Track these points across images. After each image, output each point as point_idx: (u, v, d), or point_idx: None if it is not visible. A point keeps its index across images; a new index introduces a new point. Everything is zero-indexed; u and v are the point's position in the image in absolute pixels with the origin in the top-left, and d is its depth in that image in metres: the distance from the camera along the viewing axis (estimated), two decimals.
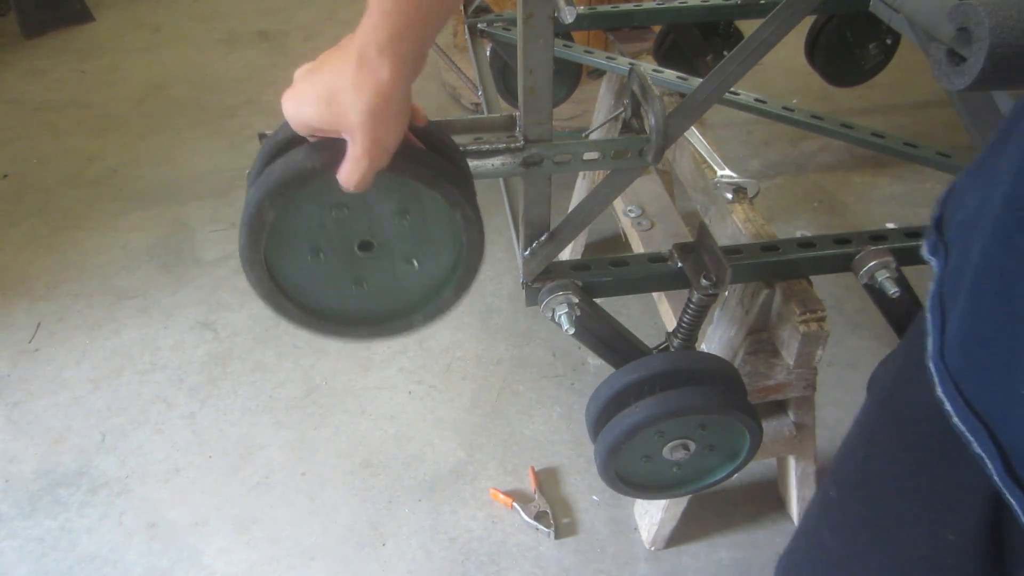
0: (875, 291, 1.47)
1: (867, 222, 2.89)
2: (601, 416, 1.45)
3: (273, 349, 2.48)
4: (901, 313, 1.53)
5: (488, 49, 2.24)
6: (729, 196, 1.72)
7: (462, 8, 2.23)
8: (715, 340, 1.64)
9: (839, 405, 2.20)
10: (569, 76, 2.46)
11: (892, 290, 1.42)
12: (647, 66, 2.08)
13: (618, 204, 2.34)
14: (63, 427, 2.25)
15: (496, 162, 1.22)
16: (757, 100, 1.96)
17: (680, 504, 1.86)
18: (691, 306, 1.43)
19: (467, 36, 2.25)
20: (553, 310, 1.38)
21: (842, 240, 1.50)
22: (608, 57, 2.09)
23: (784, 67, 3.69)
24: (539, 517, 1.97)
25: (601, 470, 1.45)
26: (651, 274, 1.44)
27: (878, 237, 1.51)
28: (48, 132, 3.62)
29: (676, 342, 1.49)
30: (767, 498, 2.03)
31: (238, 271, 2.72)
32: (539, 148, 1.21)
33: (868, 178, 3.15)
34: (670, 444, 1.44)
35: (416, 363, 2.42)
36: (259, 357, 2.46)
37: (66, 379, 2.40)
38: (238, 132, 3.51)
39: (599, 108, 2.40)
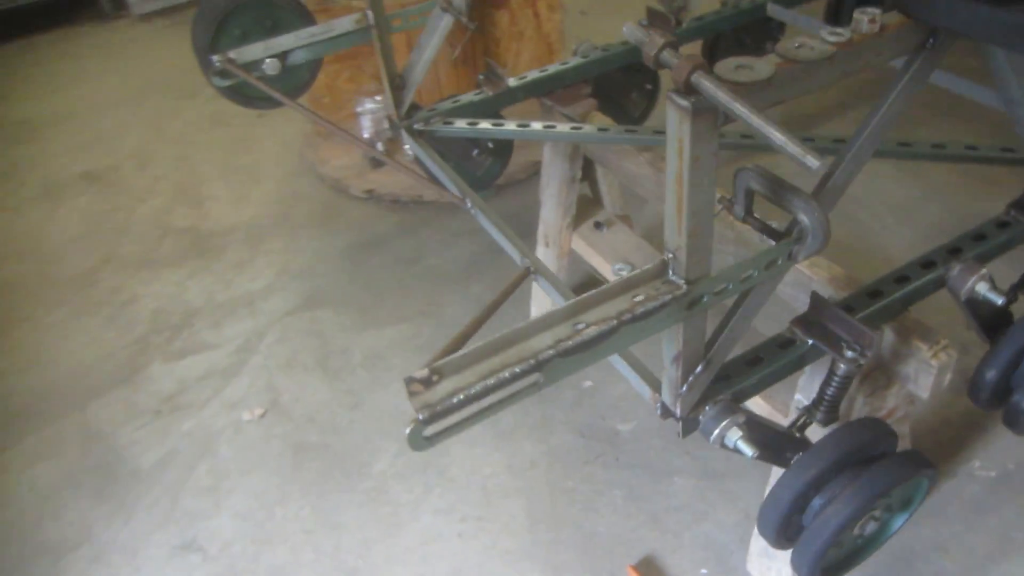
0: (977, 304, 1.48)
1: None
2: (786, 520, 1.35)
3: (282, 545, 2.15)
4: (995, 319, 1.55)
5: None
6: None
7: (395, 112, 2.03)
8: None
9: None
10: (505, 153, 2.33)
11: (999, 300, 1.43)
12: (612, 127, 1.99)
13: (602, 266, 2.25)
14: None
15: (662, 316, 1.08)
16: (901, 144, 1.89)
17: None
18: (836, 379, 1.36)
19: (405, 140, 2.05)
20: (724, 438, 1.27)
21: (927, 263, 1.49)
22: (574, 127, 1.98)
23: None
24: None
25: (807, 574, 1.36)
26: (788, 361, 1.36)
27: (954, 250, 1.52)
28: None
29: (820, 416, 1.42)
30: None
31: (193, 465, 2.35)
32: (700, 287, 1.09)
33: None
34: (860, 522, 1.37)
35: (448, 500, 2.19)
36: (270, 561, 2.12)
37: None
38: (109, 299, 3.04)
39: (549, 173, 2.28)
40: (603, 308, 1.05)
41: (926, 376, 1.43)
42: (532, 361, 1.00)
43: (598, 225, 2.32)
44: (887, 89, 1.13)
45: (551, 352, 1.00)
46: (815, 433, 1.45)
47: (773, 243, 1.64)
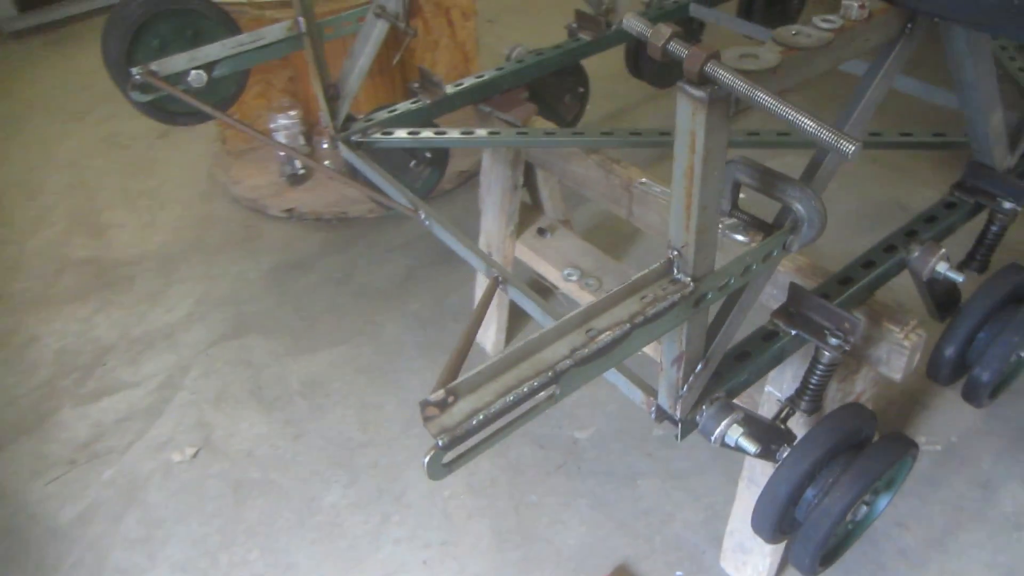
0: (935, 283, 1.52)
1: None
2: (784, 513, 1.34)
3: None
4: (947, 296, 1.60)
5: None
6: (741, 238, 1.66)
7: (331, 124, 1.92)
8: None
9: None
10: (442, 162, 2.26)
11: (959, 279, 1.47)
12: (559, 130, 1.96)
13: (550, 273, 2.21)
14: None
15: (671, 315, 1.05)
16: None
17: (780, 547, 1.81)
18: (820, 367, 1.36)
19: (343, 152, 1.95)
20: (725, 437, 1.24)
21: (889, 247, 1.52)
22: (520, 132, 1.93)
23: None
24: None
25: (809, 565, 1.35)
26: (774, 353, 1.35)
27: (911, 232, 1.56)
28: None
29: (805, 406, 1.42)
30: None
31: (120, 516, 2.16)
32: (706, 284, 1.06)
33: None
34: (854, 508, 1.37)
35: (408, 527, 2.10)
36: None
37: None
38: (4, 342, 2.77)
39: (490, 180, 2.23)
40: (614, 312, 1.01)
41: (899, 358, 1.45)
42: (550, 373, 0.94)
43: (541, 231, 2.28)
44: (868, 76, 1.13)
45: (568, 362, 0.95)
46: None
47: (736, 237, 1.65)
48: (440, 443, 0.87)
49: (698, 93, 0.87)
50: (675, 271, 1.05)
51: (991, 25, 0.98)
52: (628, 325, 0.99)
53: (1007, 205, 1.54)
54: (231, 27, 1.97)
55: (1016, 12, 0.92)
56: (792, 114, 0.80)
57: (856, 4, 1.00)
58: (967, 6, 0.96)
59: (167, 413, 2.46)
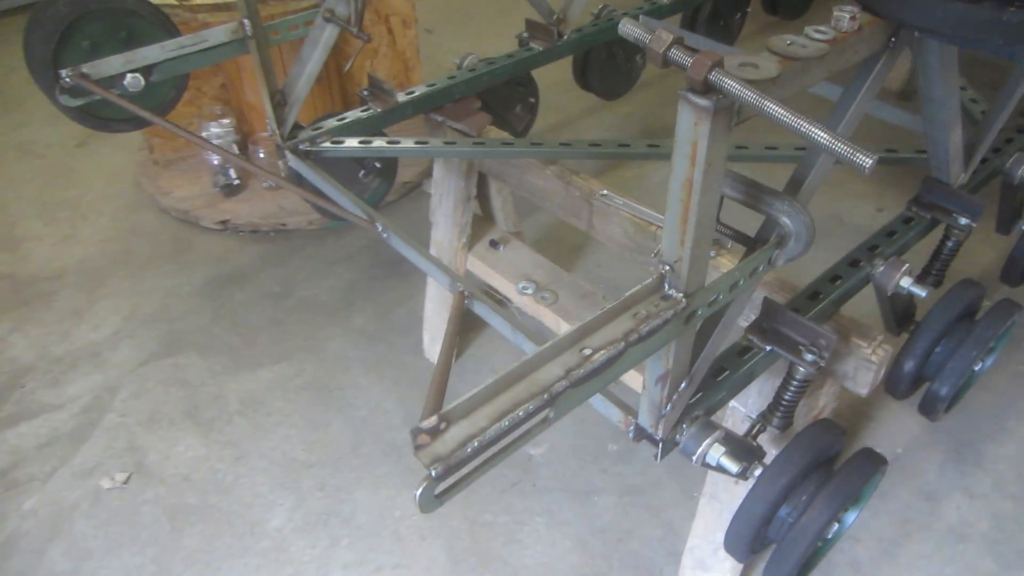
0: (898, 298, 1.53)
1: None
2: (759, 532, 1.32)
3: None
4: (904, 310, 1.62)
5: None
6: (711, 253, 1.65)
7: (277, 132, 1.83)
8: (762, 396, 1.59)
9: None
10: (391, 173, 2.19)
11: (923, 293, 1.49)
12: (517, 141, 1.92)
13: (504, 286, 2.16)
14: None
15: (663, 333, 1.01)
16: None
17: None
18: (794, 383, 1.35)
19: (291, 162, 1.86)
20: (707, 456, 1.21)
21: (853, 262, 1.53)
22: (476, 143, 1.88)
23: None
24: None
25: None
26: (751, 368, 1.33)
27: (873, 247, 1.57)
28: None
29: (777, 422, 1.41)
30: None
31: (43, 549, 2.01)
32: (697, 300, 1.03)
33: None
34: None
35: (358, 550, 2.01)
36: None
37: None
38: None
39: (443, 192, 2.17)
40: (607, 330, 0.96)
41: (866, 373, 1.45)
42: (546, 395, 0.89)
43: (494, 243, 2.23)
44: (851, 89, 1.13)
45: (564, 384, 0.90)
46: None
47: None
48: (433, 473, 0.81)
49: (703, 102, 0.84)
50: (666, 287, 1.02)
51: (976, 40, 0.98)
52: (623, 343, 0.95)
53: (963, 221, 1.57)
54: (169, 29, 1.86)
55: (1003, 27, 0.93)
56: (806, 126, 0.77)
57: (847, 15, 0.99)
58: (954, 21, 0.97)
59: (94, 437, 2.31)
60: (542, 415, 0.90)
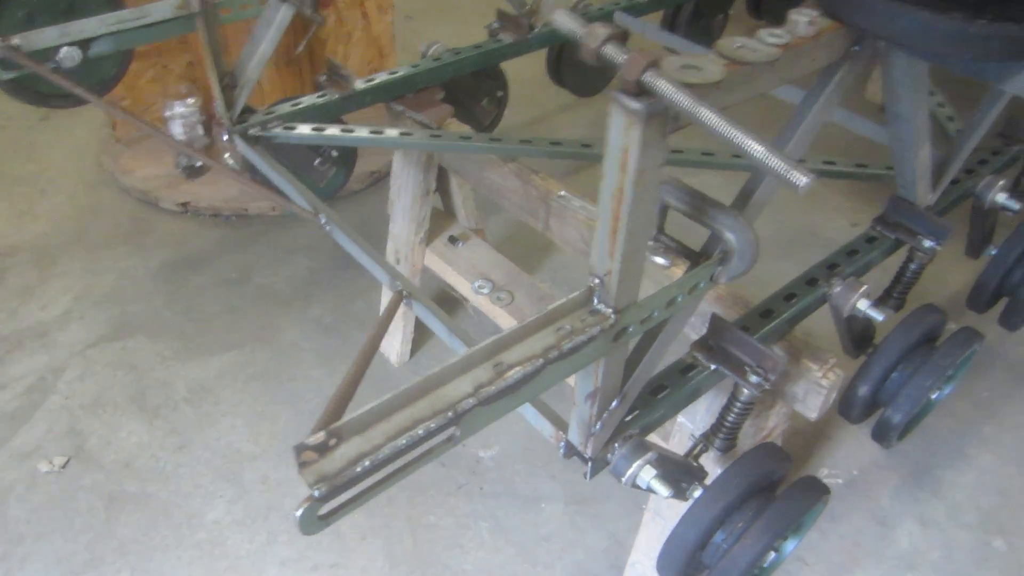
0: (855, 320, 1.48)
1: None
2: (693, 557, 1.27)
3: None
4: (862, 332, 1.57)
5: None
6: (661, 260, 1.59)
7: (226, 115, 1.76)
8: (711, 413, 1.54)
9: None
10: (350, 162, 2.12)
11: (880, 317, 1.43)
12: (475, 135, 1.85)
13: (460, 284, 2.10)
14: None
15: (589, 350, 0.95)
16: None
17: None
18: (737, 404, 1.30)
19: (239, 147, 1.79)
20: (636, 478, 1.15)
21: (811, 280, 1.47)
22: (433, 135, 1.81)
23: None
24: None
25: None
26: (694, 387, 1.28)
27: (832, 266, 1.51)
28: None
29: (719, 443, 1.35)
30: None
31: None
32: (628, 316, 0.97)
33: None
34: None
35: (296, 547, 1.95)
36: None
37: None
38: None
39: (401, 184, 2.10)
40: (526, 345, 0.90)
41: (816, 396, 1.40)
42: (450, 414, 0.83)
43: (453, 240, 2.16)
44: (809, 98, 1.07)
45: (471, 401, 0.84)
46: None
47: (656, 259, 1.57)
48: (316, 493, 0.75)
49: (635, 105, 0.78)
50: (595, 301, 0.96)
51: (941, 53, 0.92)
52: (541, 360, 0.89)
53: (927, 243, 1.51)
54: (112, 1, 1.77)
55: (971, 40, 0.87)
56: (739, 136, 0.71)
57: (804, 19, 0.93)
58: (918, 31, 0.91)
59: (36, 419, 2.23)
60: (446, 434, 0.84)
